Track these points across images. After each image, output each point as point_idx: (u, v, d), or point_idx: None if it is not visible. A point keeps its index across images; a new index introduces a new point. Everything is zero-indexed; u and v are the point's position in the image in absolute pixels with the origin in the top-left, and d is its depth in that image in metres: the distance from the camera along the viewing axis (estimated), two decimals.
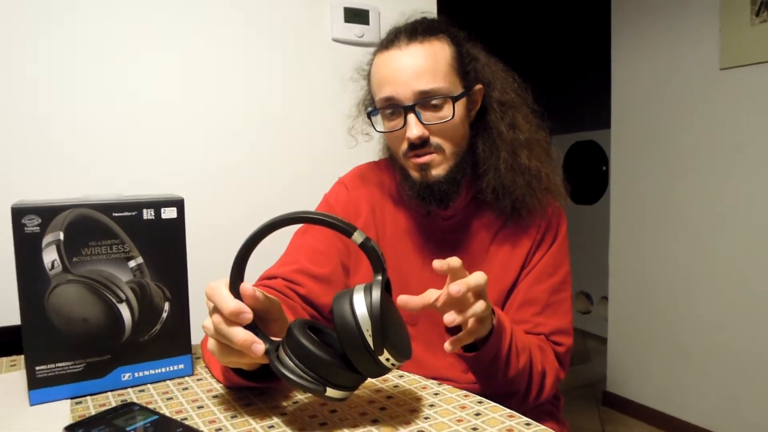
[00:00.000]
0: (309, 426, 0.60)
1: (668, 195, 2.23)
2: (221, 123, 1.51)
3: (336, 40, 1.64)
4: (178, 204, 0.74)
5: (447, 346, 0.69)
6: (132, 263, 0.71)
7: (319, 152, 1.63)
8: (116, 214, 0.70)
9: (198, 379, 0.75)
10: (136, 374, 0.73)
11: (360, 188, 1.00)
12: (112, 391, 0.71)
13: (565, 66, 3.84)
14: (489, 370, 0.80)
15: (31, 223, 0.65)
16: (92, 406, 0.67)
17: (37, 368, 0.67)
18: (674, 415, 2.25)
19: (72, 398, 0.69)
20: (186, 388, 0.72)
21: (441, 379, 0.81)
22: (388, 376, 0.75)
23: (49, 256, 0.66)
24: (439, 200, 0.89)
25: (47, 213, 0.66)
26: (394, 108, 0.87)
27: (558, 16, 3.82)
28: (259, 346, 0.56)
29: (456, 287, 0.63)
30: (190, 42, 1.45)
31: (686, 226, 2.17)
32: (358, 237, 0.57)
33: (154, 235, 0.72)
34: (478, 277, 0.66)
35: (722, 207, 2.04)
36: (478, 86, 0.91)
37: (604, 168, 3.34)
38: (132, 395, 0.70)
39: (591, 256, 3.19)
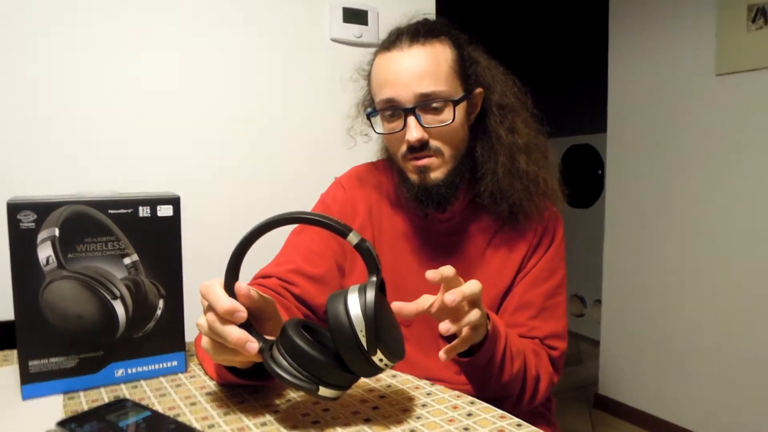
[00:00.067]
0: (301, 424, 0.60)
1: (663, 200, 2.25)
2: (220, 122, 1.51)
3: (334, 41, 1.64)
4: (174, 202, 0.74)
5: (442, 354, 0.69)
6: (127, 260, 0.71)
7: (317, 152, 1.63)
8: (112, 211, 0.70)
9: (191, 377, 0.75)
10: (129, 370, 0.73)
11: (357, 189, 1.00)
12: (105, 386, 0.71)
13: (562, 69, 3.85)
14: (483, 375, 0.80)
15: (27, 219, 0.65)
16: (85, 401, 0.67)
17: (31, 363, 0.67)
18: (665, 418, 2.27)
19: (65, 393, 0.69)
20: (179, 385, 0.72)
21: (434, 380, 0.81)
22: (380, 375, 0.75)
23: (44, 252, 0.66)
24: (437, 203, 0.89)
25: (43, 209, 0.66)
26: (394, 110, 0.87)
27: (555, 19, 3.83)
28: (253, 345, 0.56)
29: (451, 296, 0.63)
30: (189, 42, 1.45)
31: (680, 231, 2.19)
32: (353, 238, 0.57)
33: (150, 232, 0.72)
34: (473, 286, 0.66)
35: (717, 212, 2.06)
36: (479, 90, 0.91)
37: (600, 172, 3.35)
38: (125, 391, 0.70)
39: (585, 260, 3.20)
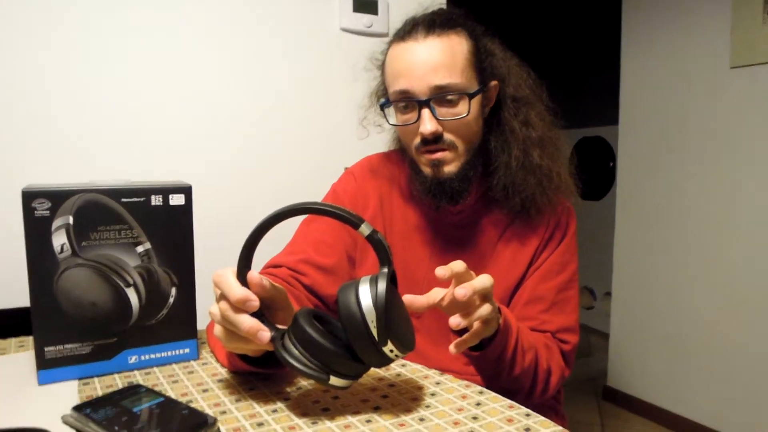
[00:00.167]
0: (312, 411, 0.61)
1: (675, 192, 2.23)
2: (231, 112, 1.51)
3: (344, 30, 1.64)
4: (186, 191, 0.74)
5: (452, 348, 0.68)
6: (140, 248, 0.72)
7: (327, 141, 1.63)
8: (125, 200, 0.71)
9: (203, 364, 0.76)
10: (142, 357, 0.74)
11: (369, 180, 1.00)
12: (118, 373, 0.72)
13: (574, 60, 3.81)
14: (494, 369, 0.79)
15: (41, 206, 0.66)
16: (99, 387, 0.68)
17: (46, 349, 0.68)
18: (673, 411, 2.26)
19: (79, 379, 0.70)
20: (191, 372, 0.73)
21: (443, 371, 0.81)
22: (390, 365, 0.75)
23: (59, 240, 0.67)
24: (449, 197, 0.88)
25: (57, 197, 0.67)
26: (408, 101, 0.86)
27: (568, 10, 3.78)
28: (265, 334, 0.57)
29: (462, 291, 0.62)
30: (199, 33, 1.45)
31: (692, 224, 2.17)
32: (365, 229, 0.57)
33: (162, 220, 0.73)
34: (484, 280, 0.65)
35: (728, 206, 2.04)
36: (494, 82, 0.90)
37: (611, 164, 3.33)
38: (138, 377, 0.71)
39: (595, 252, 3.19)
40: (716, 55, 2.04)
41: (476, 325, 0.68)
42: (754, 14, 1.89)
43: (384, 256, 0.58)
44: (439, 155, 0.86)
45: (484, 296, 0.67)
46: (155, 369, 0.74)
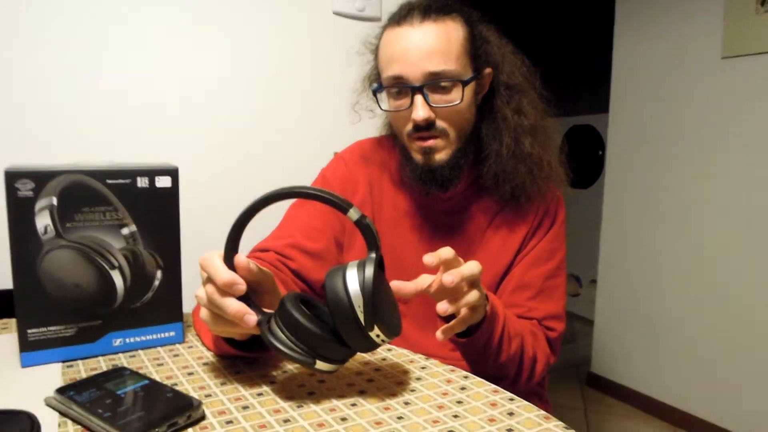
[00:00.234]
0: (297, 395, 0.61)
1: (663, 182, 2.24)
2: (220, 95, 1.49)
3: (337, 13, 1.62)
4: (173, 173, 0.74)
5: (439, 334, 0.69)
6: (125, 230, 0.71)
7: (318, 126, 1.62)
8: (110, 181, 0.70)
9: (189, 347, 0.76)
10: (127, 340, 0.73)
11: (359, 165, 0.99)
12: (103, 355, 0.72)
13: (565, 48, 3.80)
14: (480, 356, 0.80)
15: (25, 187, 0.65)
16: (83, 369, 0.67)
17: (29, 331, 0.67)
18: (655, 397, 2.31)
19: (63, 362, 0.70)
20: (177, 355, 0.73)
21: (430, 356, 0.82)
22: (376, 350, 0.76)
23: (42, 221, 0.66)
24: (440, 185, 0.88)
25: (41, 177, 0.66)
26: (401, 87, 0.85)
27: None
28: (252, 318, 0.57)
29: (449, 277, 0.62)
30: (190, 15, 1.43)
31: (678, 214, 2.19)
32: (353, 214, 0.57)
33: (148, 203, 0.72)
34: (472, 267, 0.65)
35: (716, 197, 2.06)
36: (488, 70, 0.89)
37: (600, 152, 3.34)
38: (123, 361, 0.71)
39: (582, 240, 3.21)
40: (708, 45, 2.04)
41: (463, 311, 0.68)
42: (747, 4, 1.90)
43: (372, 241, 0.58)
44: (430, 143, 0.86)
45: (472, 283, 0.67)
46: (140, 352, 0.74)
